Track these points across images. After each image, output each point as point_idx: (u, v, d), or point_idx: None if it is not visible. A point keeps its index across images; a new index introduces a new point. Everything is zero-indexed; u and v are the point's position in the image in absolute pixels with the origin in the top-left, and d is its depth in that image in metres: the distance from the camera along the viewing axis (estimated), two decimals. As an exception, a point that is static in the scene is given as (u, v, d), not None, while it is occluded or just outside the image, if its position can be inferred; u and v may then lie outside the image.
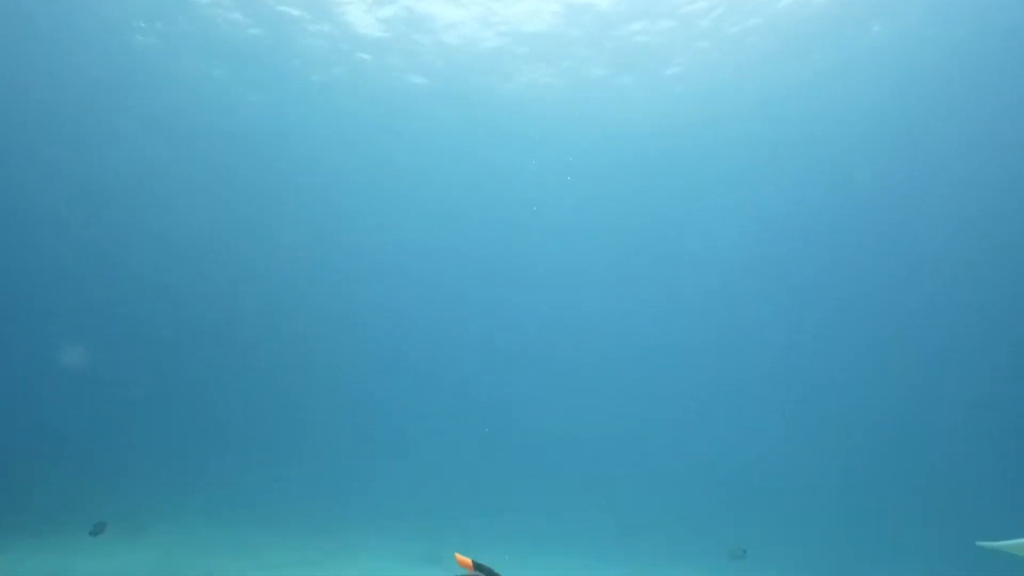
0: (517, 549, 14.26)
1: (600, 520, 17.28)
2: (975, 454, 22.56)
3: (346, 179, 21.74)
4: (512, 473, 28.68)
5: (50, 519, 9.42)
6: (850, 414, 25.97)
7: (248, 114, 17.20)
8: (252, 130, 18.04)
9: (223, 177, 20.71)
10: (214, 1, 12.79)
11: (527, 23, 13.19)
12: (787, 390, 27.44)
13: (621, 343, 30.61)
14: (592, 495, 23.09)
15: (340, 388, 34.08)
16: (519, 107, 16.73)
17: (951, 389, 23.77)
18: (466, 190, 23.10)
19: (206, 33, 13.80)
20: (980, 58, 14.12)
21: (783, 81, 15.27)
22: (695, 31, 13.26)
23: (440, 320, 31.87)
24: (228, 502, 15.22)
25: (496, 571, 0.97)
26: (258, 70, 15.25)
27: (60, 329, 25.21)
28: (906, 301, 23.24)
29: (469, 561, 0.98)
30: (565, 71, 15.09)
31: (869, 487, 22.77)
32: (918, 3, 12.60)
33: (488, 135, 18.61)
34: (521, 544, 15.24)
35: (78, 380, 26.18)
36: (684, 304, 28.54)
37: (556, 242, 26.08)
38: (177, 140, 18.30)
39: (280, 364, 32.28)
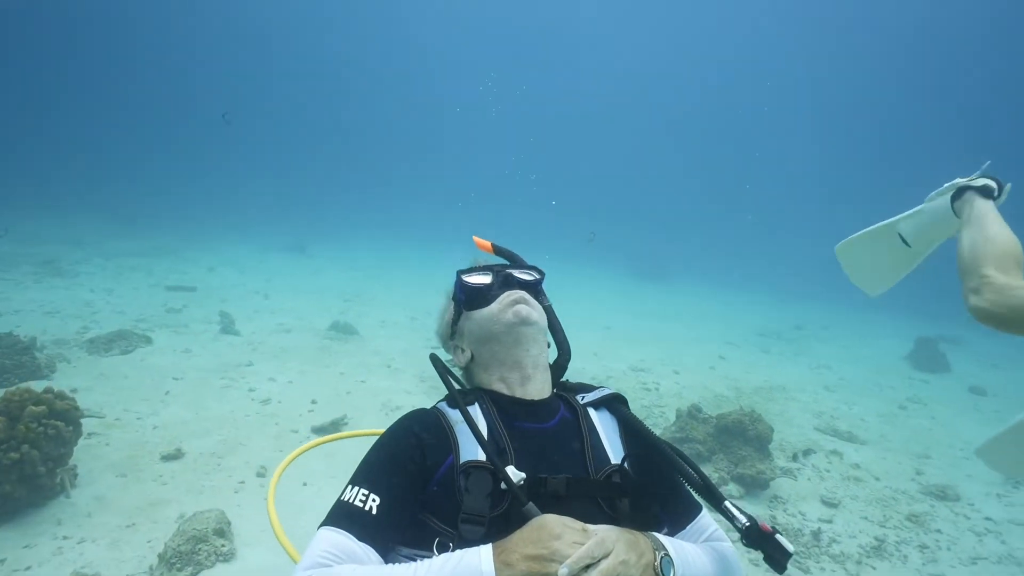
0: (380, 241, 15.34)
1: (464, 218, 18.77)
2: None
3: None
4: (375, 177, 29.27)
5: None
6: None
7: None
8: None
9: None
10: None
11: None
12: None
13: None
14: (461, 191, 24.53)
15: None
16: None
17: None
18: None
19: None
20: None
21: None
22: None
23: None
24: (69, 196, 14.24)
25: (515, 253, 0.93)
26: None
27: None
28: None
29: (488, 244, 0.93)
30: None
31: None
32: None
33: None
34: (383, 239, 16.42)
35: None
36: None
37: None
38: None
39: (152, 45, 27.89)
